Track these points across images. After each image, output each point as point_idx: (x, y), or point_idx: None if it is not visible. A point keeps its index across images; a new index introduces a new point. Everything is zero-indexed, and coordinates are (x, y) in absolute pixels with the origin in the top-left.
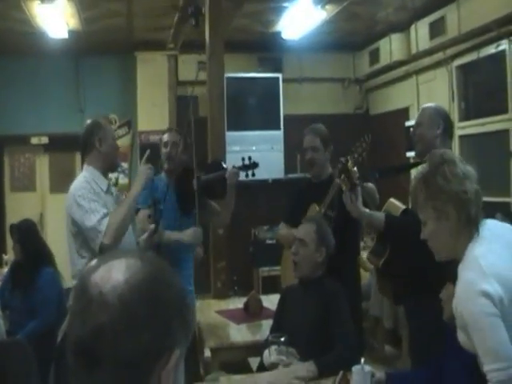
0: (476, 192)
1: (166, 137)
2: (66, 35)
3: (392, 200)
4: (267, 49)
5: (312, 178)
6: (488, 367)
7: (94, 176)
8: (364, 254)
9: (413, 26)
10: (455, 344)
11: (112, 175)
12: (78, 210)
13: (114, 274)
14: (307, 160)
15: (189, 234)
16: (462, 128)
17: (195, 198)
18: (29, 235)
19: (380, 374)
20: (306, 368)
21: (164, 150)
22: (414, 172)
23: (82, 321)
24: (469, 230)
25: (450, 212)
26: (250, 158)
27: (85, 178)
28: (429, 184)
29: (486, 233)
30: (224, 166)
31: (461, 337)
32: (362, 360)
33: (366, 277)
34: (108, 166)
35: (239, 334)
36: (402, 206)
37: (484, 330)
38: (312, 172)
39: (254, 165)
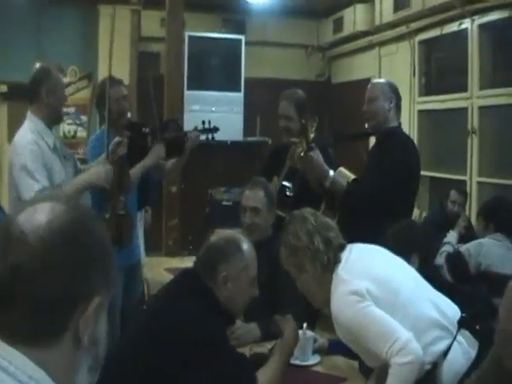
0: (327, 241)
1: (119, 91)
2: None
3: (342, 169)
4: (231, 10)
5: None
6: (382, 351)
7: (39, 128)
8: None
9: None
10: None
11: (70, 128)
12: (20, 174)
13: (38, 215)
14: (281, 128)
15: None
16: (421, 103)
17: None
18: None
19: (322, 340)
20: (249, 329)
21: (117, 106)
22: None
23: (1, 257)
24: (328, 275)
25: (306, 265)
26: (209, 122)
27: (30, 129)
28: (285, 245)
29: (344, 268)
30: (180, 125)
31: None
32: (305, 325)
33: None
34: (53, 119)
35: None
36: (352, 176)
37: (364, 324)
38: (286, 140)
39: (215, 129)
